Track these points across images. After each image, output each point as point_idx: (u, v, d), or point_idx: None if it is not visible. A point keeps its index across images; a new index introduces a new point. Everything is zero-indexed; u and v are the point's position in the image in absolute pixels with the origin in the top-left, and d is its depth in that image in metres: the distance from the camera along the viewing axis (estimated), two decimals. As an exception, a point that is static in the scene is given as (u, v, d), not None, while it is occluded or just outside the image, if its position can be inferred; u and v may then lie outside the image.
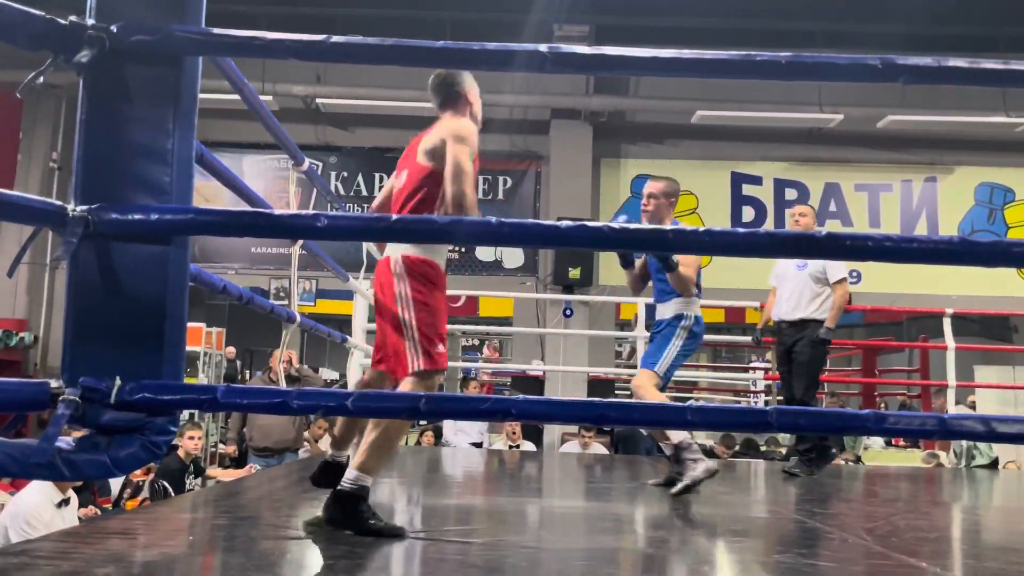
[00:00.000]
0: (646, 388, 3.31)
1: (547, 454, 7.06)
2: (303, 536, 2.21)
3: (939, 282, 9.06)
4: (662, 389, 3.40)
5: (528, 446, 7.44)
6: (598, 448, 7.14)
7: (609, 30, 9.82)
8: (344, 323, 5.92)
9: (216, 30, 1.45)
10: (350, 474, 2.21)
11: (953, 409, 6.01)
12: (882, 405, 9.35)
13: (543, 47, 1.45)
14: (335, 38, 1.45)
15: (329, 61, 1.50)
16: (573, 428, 7.85)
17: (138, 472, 5.68)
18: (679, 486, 3.09)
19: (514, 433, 7.30)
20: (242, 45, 1.44)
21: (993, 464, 6.70)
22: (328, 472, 2.42)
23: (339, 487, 2.20)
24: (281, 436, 6.26)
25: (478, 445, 7.86)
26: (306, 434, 6.67)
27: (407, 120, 9.95)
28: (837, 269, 4.47)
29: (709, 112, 9.44)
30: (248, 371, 12.02)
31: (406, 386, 2.20)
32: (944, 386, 5.88)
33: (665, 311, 3.50)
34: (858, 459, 7.78)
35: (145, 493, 5.64)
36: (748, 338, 6.59)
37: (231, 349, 10.24)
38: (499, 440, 7.77)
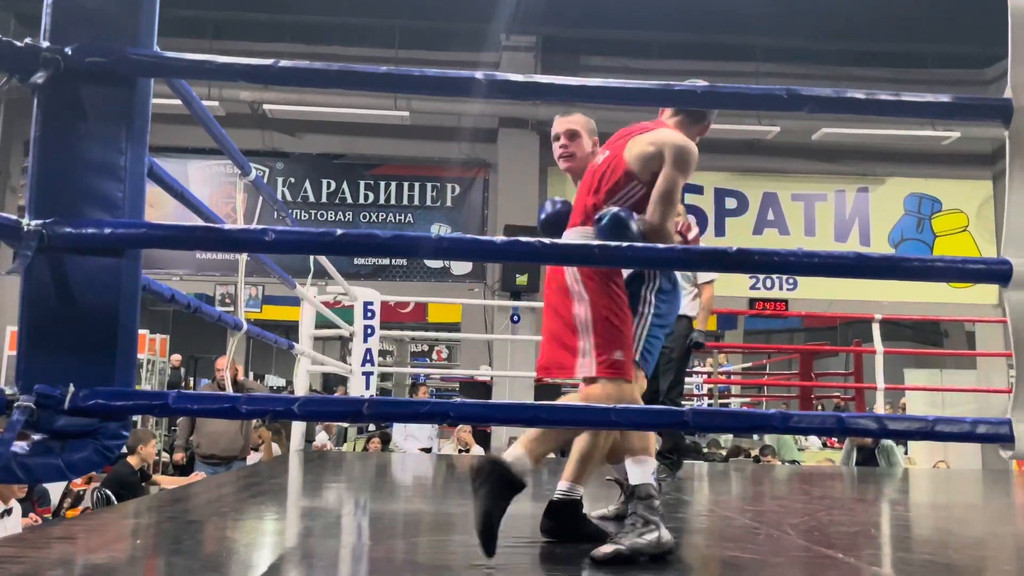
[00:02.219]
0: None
1: (494, 458, 7.16)
2: (250, 539, 2.28)
3: (872, 289, 9.42)
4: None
5: (478, 450, 7.53)
6: (544, 452, 7.26)
7: (556, 40, 10.01)
8: (291, 329, 5.94)
9: (169, 53, 1.53)
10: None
11: (882, 411, 6.27)
12: (819, 407, 9.67)
13: (479, 74, 1.55)
14: (283, 63, 1.54)
15: (278, 85, 1.59)
16: (520, 432, 7.97)
17: (79, 481, 5.62)
18: (609, 551, 2.03)
19: (465, 438, 7.40)
20: (193, 68, 1.51)
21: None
22: (557, 514, 2.29)
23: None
24: (229, 444, 6.25)
25: (427, 450, 7.93)
26: (269, 443, 6.66)
27: (356, 127, 10.02)
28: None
29: (653, 123, 9.67)
30: (193, 378, 11.88)
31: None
32: (874, 388, 6.14)
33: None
34: (795, 461, 8.05)
35: (87, 502, 5.59)
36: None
37: (176, 356, 10.13)
38: (449, 445, 7.85)
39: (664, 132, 2.25)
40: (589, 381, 2.13)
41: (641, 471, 2.17)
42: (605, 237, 2.03)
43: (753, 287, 9.93)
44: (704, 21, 9.43)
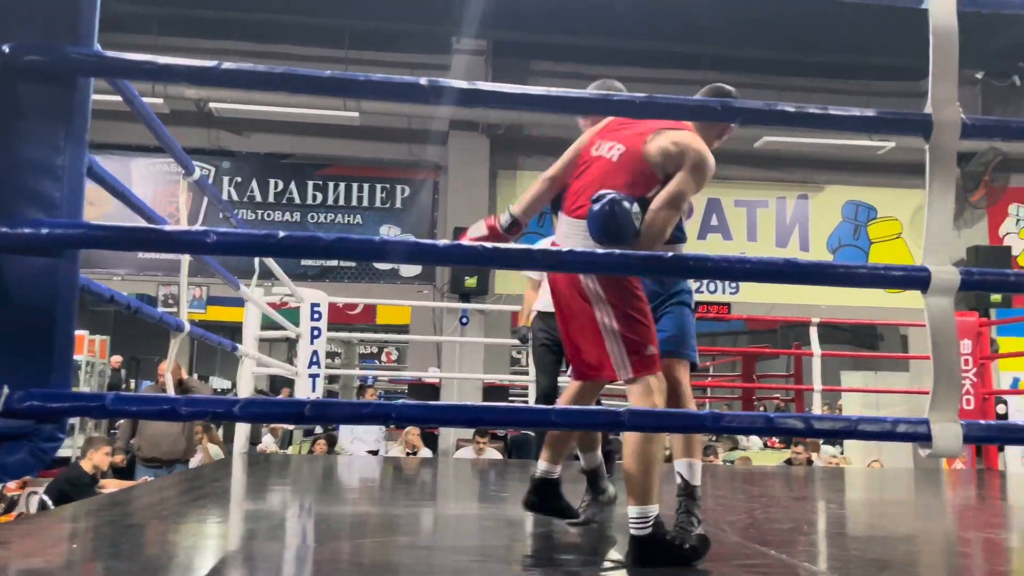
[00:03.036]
0: (688, 384, 2.58)
1: (441, 461, 7.17)
2: (191, 542, 2.26)
3: (811, 293, 9.67)
4: None
5: (426, 452, 7.53)
6: (492, 453, 7.30)
7: (507, 44, 10.06)
8: (236, 331, 5.87)
9: (110, 53, 1.52)
10: (633, 511, 2.03)
11: (819, 411, 6.45)
12: (760, 408, 9.90)
13: (423, 80, 1.58)
14: (227, 65, 1.54)
15: (222, 87, 1.59)
16: (467, 434, 7.99)
17: (12, 486, 5.48)
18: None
19: (412, 441, 7.38)
20: (135, 69, 1.50)
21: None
22: (540, 491, 2.49)
23: (633, 534, 2.03)
24: (171, 446, 6.15)
25: (375, 453, 7.90)
26: (204, 443, 6.56)
27: (304, 127, 9.94)
28: None
29: (601, 128, 9.77)
30: (134, 380, 11.61)
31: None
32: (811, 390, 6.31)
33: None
34: (732, 461, 8.21)
35: (21, 507, 5.45)
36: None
37: (117, 358, 9.90)
38: (397, 447, 7.83)
39: (688, 135, 2.13)
40: (629, 382, 2.11)
41: (695, 473, 2.42)
42: (599, 221, 1.99)
43: (697, 290, 10.10)
44: (653, 29, 9.58)
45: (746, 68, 10.36)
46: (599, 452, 2.91)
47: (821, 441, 8.50)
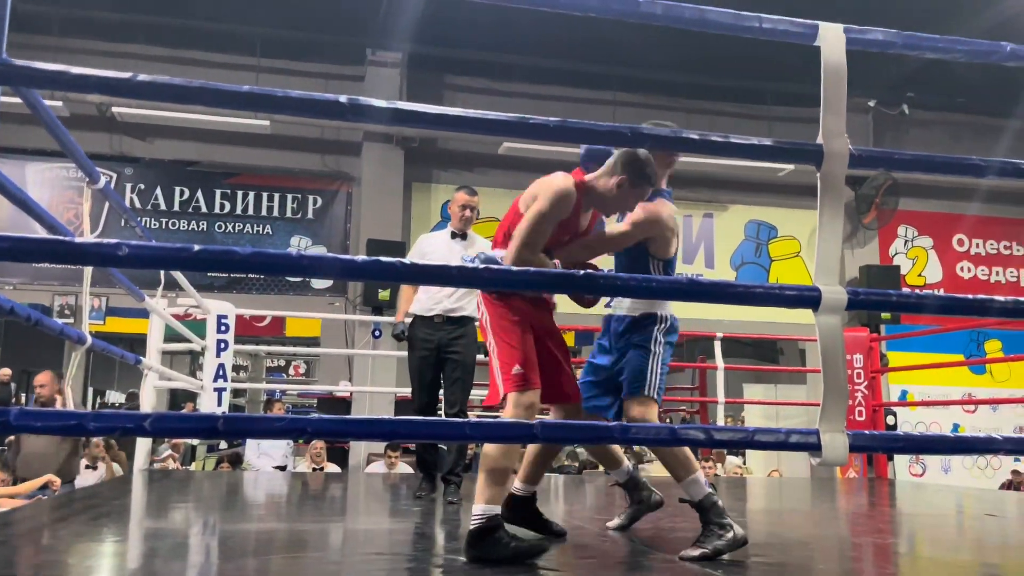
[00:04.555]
0: (647, 420, 2.67)
1: (352, 476, 7.08)
2: (89, 562, 2.19)
3: (715, 308, 10.00)
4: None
5: (333, 468, 7.42)
6: (404, 468, 7.26)
7: (423, 58, 10.08)
8: (138, 342, 5.68)
9: (19, 62, 1.48)
10: (475, 508, 2.26)
11: (721, 423, 6.68)
12: (667, 420, 10.15)
13: (343, 98, 1.60)
14: (142, 77, 1.52)
15: (135, 98, 1.57)
16: (379, 449, 7.92)
17: None
18: (695, 554, 2.38)
19: (318, 455, 7.27)
20: (45, 78, 1.47)
21: None
22: (516, 507, 2.65)
23: (470, 528, 2.25)
24: (42, 466, 5.74)
25: (282, 468, 7.74)
26: (107, 460, 6.28)
27: (212, 134, 9.70)
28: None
29: (515, 144, 9.90)
30: (25, 394, 11.04)
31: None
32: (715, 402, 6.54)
33: (630, 306, 2.78)
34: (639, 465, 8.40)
35: None
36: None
37: (6, 371, 9.39)
38: (303, 463, 7.70)
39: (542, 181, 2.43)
40: (503, 401, 2.36)
41: (695, 489, 2.50)
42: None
43: (608, 304, 10.31)
44: (567, 48, 9.77)
45: (656, 90, 10.68)
46: (624, 465, 3.01)
47: (726, 452, 8.80)
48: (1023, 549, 3.19)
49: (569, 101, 10.46)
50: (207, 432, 1.42)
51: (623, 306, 2.81)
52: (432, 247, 4.37)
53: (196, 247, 1.46)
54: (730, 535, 2.41)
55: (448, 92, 10.56)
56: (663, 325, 2.75)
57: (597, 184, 2.43)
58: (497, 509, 2.28)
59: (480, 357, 4.11)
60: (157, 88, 1.59)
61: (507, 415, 2.32)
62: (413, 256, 4.40)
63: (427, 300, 4.22)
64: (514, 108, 8.91)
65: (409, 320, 4.31)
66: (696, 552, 2.37)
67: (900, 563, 2.71)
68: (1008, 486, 8.26)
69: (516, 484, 2.69)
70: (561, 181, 2.36)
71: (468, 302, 4.14)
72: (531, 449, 2.71)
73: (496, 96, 10.20)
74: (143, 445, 5.57)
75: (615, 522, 3.00)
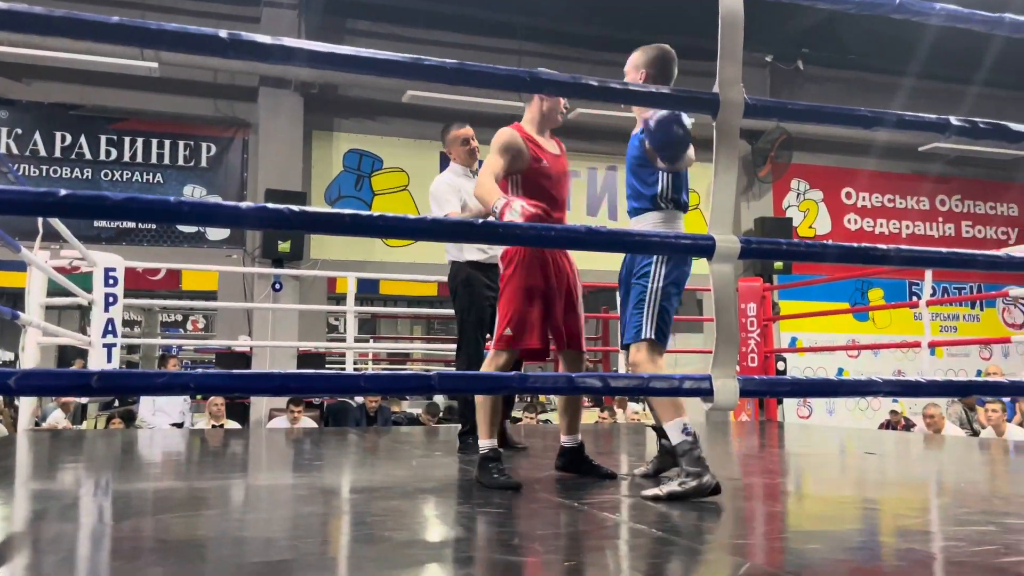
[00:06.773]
0: (645, 365, 2.69)
1: (254, 431, 6.94)
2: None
3: (618, 259, 10.17)
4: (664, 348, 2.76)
5: (233, 424, 7.25)
6: (308, 422, 7.16)
7: (321, 1, 9.70)
8: (17, 296, 5.35)
9: None
10: (480, 443, 2.86)
11: (623, 371, 6.83)
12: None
13: (223, 33, 1.50)
14: (3, 4, 1.39)
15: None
16: (281, 404, 7.78)
17: None
18: (649, 493, 2.54)
19: (217, 411, 7.08)
20: None
21: None
22: (567, 455, 3.11)
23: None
24: None
25: (179, 425, 7.52)
26: None
27: (96, 76, 9.11)
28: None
29: (420, 92, 9.70)
30: None
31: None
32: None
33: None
34: (547, 420, 8.56)
35: None
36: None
37: None
38: (203, 419, 7.50)
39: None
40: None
41: (675, 434, 2.62)
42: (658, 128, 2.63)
43: (514, 257, 10.36)
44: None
45: (560, 40, 10.63)
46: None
47: (627, 399, 9.04)
48: (899, 485, 3.40)
49: (474, 49, 10.29)
50: (80, 389, 1.33)
51: None
52: (464, 188, 4.14)
53: (63, 191, 1.35)
54: (693, 484, 2.51)
55: (349, 36, 10.22)
56: (661, 256, 2.77)
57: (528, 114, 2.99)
58: (494, 443, 2.85)
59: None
60: (17, 18, 1.45)
61: (484, 367, 2.97)
62: (451, 198, 4.13)
63: (485, 246, 4.07)
64: (417, 53, 8.70)
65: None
66: (650, 492, 2.55)
67: (787, 501, 2.84)
68: (886, 425, 8.81)
69: (563, 438, 3.10)
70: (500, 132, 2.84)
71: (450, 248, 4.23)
72: (558, 406, 3.21)
73: (399, 42, 9.94)
74: (28, 404, 5.30)
75: (641, 469, 3.12)
